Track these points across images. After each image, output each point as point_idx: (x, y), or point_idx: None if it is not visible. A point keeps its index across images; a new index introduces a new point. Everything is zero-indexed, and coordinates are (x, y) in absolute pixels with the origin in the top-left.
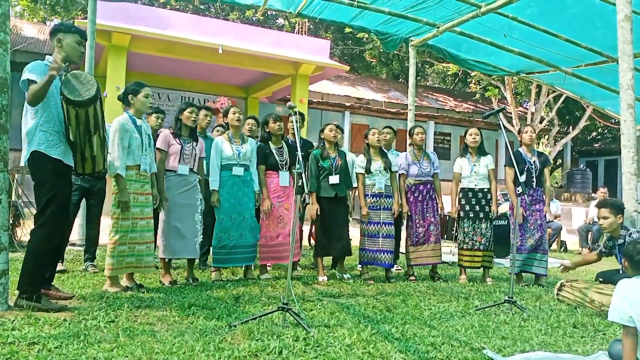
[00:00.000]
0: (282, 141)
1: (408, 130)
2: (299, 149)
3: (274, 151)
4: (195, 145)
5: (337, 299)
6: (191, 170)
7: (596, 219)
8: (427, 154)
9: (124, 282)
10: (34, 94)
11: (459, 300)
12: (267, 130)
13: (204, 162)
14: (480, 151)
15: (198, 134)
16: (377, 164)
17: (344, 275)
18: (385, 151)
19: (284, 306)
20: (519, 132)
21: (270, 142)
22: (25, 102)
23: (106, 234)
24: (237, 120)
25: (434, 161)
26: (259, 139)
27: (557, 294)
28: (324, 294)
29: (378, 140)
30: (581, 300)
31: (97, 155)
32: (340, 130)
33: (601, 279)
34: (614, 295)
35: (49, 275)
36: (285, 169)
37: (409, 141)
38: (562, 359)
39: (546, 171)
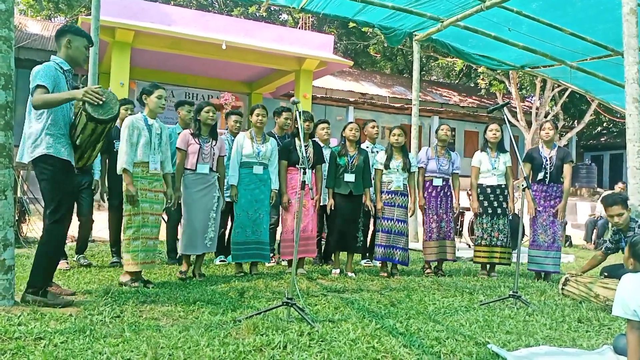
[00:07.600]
0: (309, 140)
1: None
2: (302, 146)
3: (298, 148)
4: (215, 145)
5: (341, 294)
6: (210, 169)
7: (604, 215)
8: (449, 152)
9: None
10: (46, 103)
11: (463, 295)
12: (296, 127)
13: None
14: (500, 147)
15: None
16: (397, 162)
17: (349, 274)
18: (408, 152)
19: (289, 301)
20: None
21: (297, 139)
22: (29, 103)
23: (107, 229)
24: (260, 122)
25: (455, 161)
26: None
27: (562, 289)
28: (328, 289)
29: (397, 141)
30: (586, 294)
31: (94, 155)
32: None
33: (606, 274)
34: (618, 289)
35: None
36: (308, 167)
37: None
38: (567, 354)
39: (566, 167)
